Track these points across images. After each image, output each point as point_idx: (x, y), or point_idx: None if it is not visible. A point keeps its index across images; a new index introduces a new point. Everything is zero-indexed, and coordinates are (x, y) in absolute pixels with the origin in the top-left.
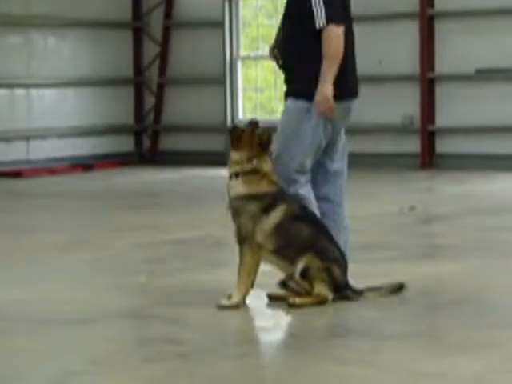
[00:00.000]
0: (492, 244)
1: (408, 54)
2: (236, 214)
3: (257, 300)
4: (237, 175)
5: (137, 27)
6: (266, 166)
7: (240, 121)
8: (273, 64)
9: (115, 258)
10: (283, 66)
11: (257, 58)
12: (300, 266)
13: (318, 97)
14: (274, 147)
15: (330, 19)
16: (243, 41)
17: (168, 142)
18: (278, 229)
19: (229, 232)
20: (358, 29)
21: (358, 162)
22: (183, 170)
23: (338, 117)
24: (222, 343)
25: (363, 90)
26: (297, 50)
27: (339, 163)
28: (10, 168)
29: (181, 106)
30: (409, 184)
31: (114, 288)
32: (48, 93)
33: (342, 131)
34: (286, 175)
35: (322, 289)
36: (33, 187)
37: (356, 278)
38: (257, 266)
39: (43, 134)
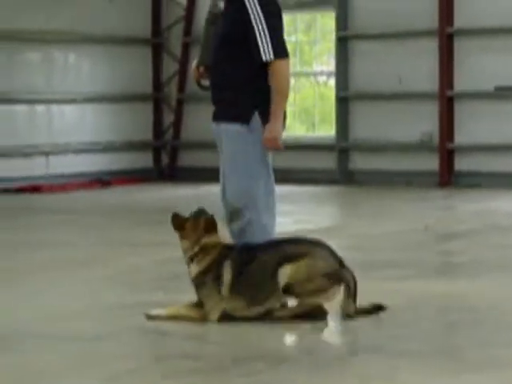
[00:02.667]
0: (510, 262)
1: (427, 71)
2: (196, 288)
3: None
4: (192, 259)
5: (156, 43)
6: (215, 239)
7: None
8: None
9: (132, 274)
10: (216, 87)
11: None
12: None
13: (268, 134)
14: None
15: (277, 53)
16: None
17: (187, 159)
18: (237, 285)
19: None
20: (377, 46)
21: (375, 179)
22: (202, 186)
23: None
24: (240, 359)
25: (383, 107)
26: (236, 75)
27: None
28: (29, 183)
29: (200, 122)
30: (427, 202)
31: (130, 304)
32: (68, 109)
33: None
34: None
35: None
36: (51, 203)
37: (370, 295)
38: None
39: (62, 150)
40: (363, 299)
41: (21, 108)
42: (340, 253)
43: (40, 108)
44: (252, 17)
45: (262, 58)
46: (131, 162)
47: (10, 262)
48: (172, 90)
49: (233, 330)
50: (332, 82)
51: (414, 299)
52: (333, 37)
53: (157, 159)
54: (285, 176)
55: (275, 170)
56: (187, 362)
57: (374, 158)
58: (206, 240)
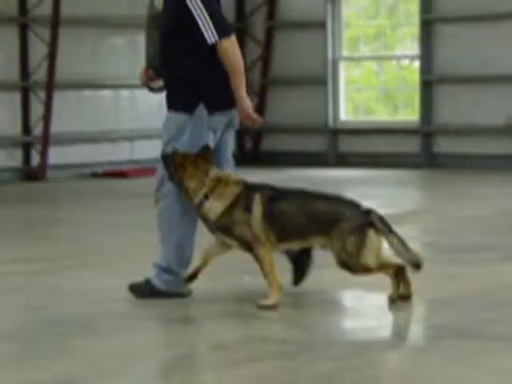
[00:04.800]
0: None
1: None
2: (228, 230)
3: (361, 300)
4: (206, 197)
5: (240, 28)
6: (221, 171)
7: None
8: (372, 64)
9: (220, 257)
10: (166, 81)
11: (358, 59)
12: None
13: (241, 114)
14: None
15: (221, 34)
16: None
17: (270, 143)
18: (267, 218)
19: None
20: (461, 29)
21: (459, 163)
22: (285, 170)
23: (220, 126)
24: (327, 342)
25: (467, 90)
26: (180, 65)
27: (229, 171)
28: (115, 168)
29: (283, 106)
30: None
31: (218, 287)
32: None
33: (231, 141)
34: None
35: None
36: (137, 187)
37: (461, 278)
38: (273, 259)
39: (147, 135)
40: (454, 283)
41: (106, 93)
42: (427, 237)
43: (125, 93)
44: (191, 7)
45: (206, 42)
46: None
47: (88, 245)
48: (255, 74)
49: (320, 313)
50: (415, 65)
51: (505, 283)
52: (416, 20)
53: (241, 143)
54: (369, 160)
55: (359, 155)
56: (275, 344)
57: (459, 141)
58: (218, 173)
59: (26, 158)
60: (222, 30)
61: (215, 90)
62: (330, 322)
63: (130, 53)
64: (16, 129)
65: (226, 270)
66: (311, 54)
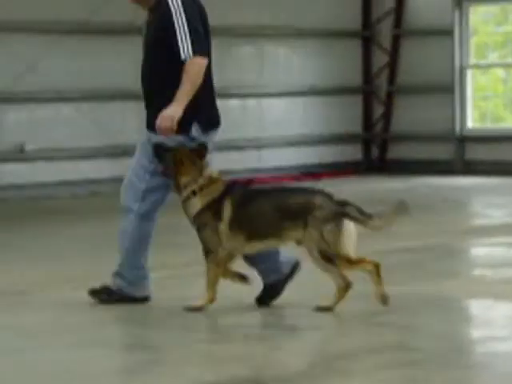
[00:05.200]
0: None
1: None
2: (198, 229)
3: (490, 310)
4: (194, 193)
5: (366, 36)
6: (215, 172)
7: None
8: (500, 72)
9: None
10: (144, 93)
11: (485, 66)
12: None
13: (166, 112)
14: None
15: (196, 51)
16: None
17: (396, 151)
18: (236, 221)
19: (463, 242)
20: None
21: None
22: (411, 178)
23: (211, 146)
24: (456, 351)
25: None
26: (157, 78)
27: None
28: (242, 176)
29: (409, 114)
30: None
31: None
32: (278, 102)
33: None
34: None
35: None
36: None
37: None
38: (219, 275)
39: (273, 143)
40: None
41: (233, 102)
42: None
43: (251, 102)
44: (175, 20)
45: (180, 56)
46: (341, 154)
47: None
48: (382, 82)
49: (445, 323)
50: None
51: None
52: None
53: (366, 152)
54: (497, 168)
55: (486, 162)
56: (404, 352)
57: None
58: (212, 173)
59: None
60: (199, 48)
61: (208, 108)
62: (458, 330)
63: (257, 62)
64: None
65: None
66: (438, 62)
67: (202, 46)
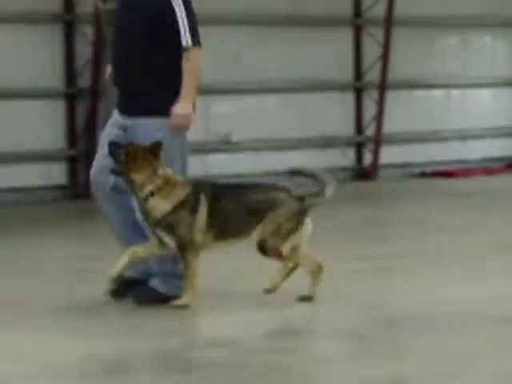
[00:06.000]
0: None
1: None
2: (171, 229)
3: None
4: (152, 193)
5: None
6: (169, 171)
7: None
8: None
9: None
10: (127, 82)
11: None
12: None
13: (179, 111)
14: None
15: (195, 42)
16: None
17: None
18: (212, 217)
19: None
20: None
21: None
22: None
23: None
24: None
25: None
26: (153, 66)
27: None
28: (443, 168)
29: None
30: None
31: None
32: (483, 93)
33: None
34: None
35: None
36: (466, 187)
37: None
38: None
39: (479, 134)
40: None
41: (437, 93)
42: None
43: (455, 92)
44: (176, 7)
45: (181, 43)
46: None
47: (419, 245)
48: None
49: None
50: None
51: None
52: None
53: None
54: None
55: None
56: None
57: None
58: (167, 171)
59: (359, 157)
60: (197, 40)
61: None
62: None
63: (462, 52)
64: (349, 128)
65: None
66: None
67: (199, 38)
